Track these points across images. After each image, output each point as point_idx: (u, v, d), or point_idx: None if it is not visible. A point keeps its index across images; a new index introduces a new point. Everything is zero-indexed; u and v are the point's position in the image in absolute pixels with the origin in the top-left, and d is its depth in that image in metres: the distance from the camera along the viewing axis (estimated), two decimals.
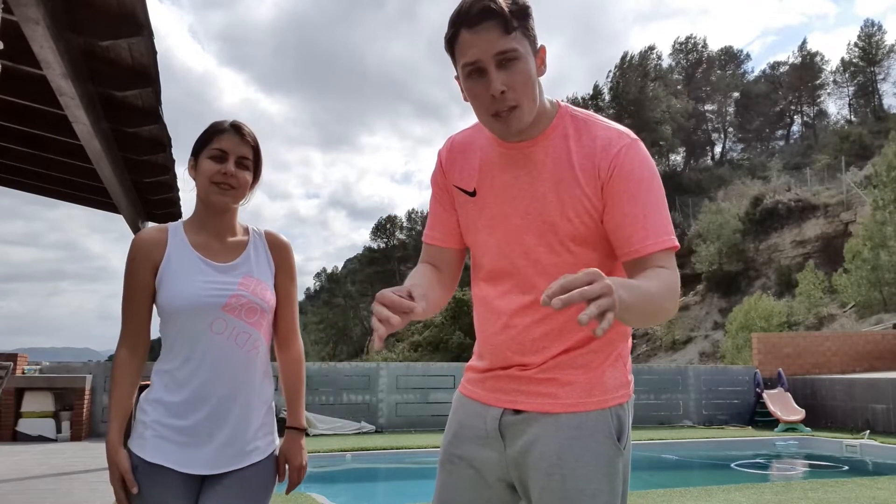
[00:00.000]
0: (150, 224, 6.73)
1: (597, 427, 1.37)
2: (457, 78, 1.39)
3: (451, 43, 1.33)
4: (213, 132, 1.77)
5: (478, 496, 1.45)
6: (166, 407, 1.69)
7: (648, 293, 1.21)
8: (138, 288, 1.74)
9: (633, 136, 1.40)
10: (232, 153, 1.75)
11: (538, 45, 1.36)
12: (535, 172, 1.40)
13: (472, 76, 1.32)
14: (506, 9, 1.27)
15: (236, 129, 1.77)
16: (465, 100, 1.39)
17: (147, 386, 1.76)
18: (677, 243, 1.35)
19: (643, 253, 1.31)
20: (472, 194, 1.47)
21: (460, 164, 1.50)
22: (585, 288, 1.02)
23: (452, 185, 1.51)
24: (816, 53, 63.42)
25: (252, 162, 1.80)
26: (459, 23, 1.30)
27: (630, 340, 1.50)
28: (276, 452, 1.81)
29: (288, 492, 1.79)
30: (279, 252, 1.85)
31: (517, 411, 1.41)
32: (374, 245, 71.41)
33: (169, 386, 1.70)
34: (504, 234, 1.43)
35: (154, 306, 1.77)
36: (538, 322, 1.40)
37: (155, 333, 1.82)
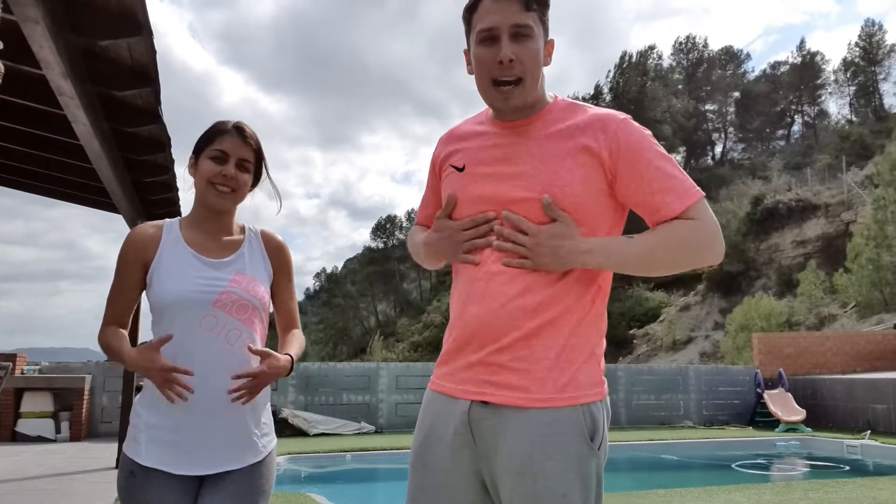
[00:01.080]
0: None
1: (569, 424, 1.33)
2: (465, 52, 1.46)
3: (471, 10, 1.41)
4: (216, 132, 1.77)
5: (450, 499, 1.41)
6: (158, 408, 1.67)
7: (639, 249, 1.36)
8: (127, 283, 1.75)
9: (625, 113, 1.45)
10: (233, 155, 1.75)
11: (548, 37, 1.43)
12: (526, 147, 1.43)
13: (485, 43, 1.38)
14: None
15: (238, 130, 1.77)
16: (470, 72, 1.45)
17: (142, 386, 1.75)
18: (700, 191, 1.39)
19: (676, 213, 1.37)
20: (461, 169, 1.49)
21: (455, 146, 1.54)
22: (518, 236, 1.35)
23: (447, 165, 1.54)
24: (817, 53, 63.46)
25: (253, 164, 1.80)
26: None
27: (604, 340, 1.48)
28: (275, 454, 1.80)
29: (232, 391, 1.65)
30: (276, 253, 1.86)
31: (485, 403, 1.38)
32: (374, 245, 71.42)
33: (155, 399, 1.67)
34: (490, 207, 1.43)
35: (145, 302, 1.77)
36: (517, 292, 1.38)
37: (147, 334, 1.81)
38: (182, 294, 1.68)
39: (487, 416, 1.37)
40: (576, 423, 1.34)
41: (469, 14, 1.41)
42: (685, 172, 1.41)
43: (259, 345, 1.77)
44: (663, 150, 1.42)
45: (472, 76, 1.45)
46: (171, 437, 1.65)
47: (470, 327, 1.42)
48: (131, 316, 1.79)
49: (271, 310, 1.89)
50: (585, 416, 1.35)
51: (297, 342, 1.86)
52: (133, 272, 1.74)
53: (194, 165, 1.78)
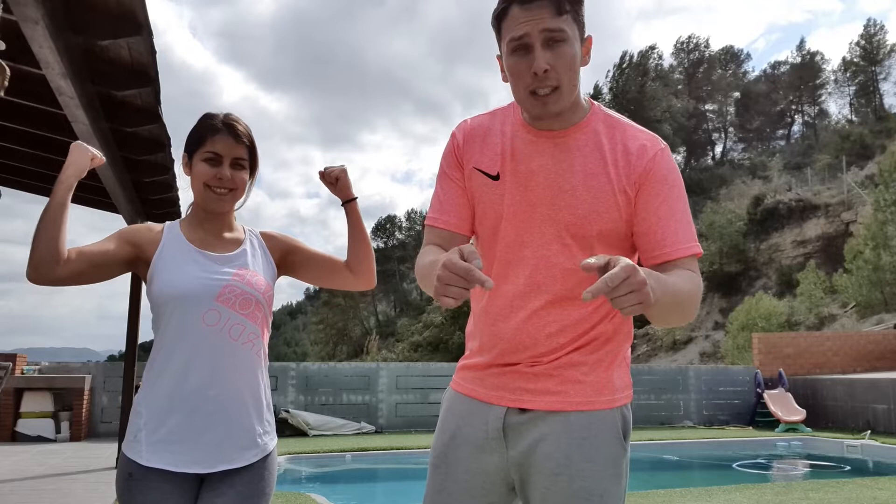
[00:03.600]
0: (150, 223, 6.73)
1: (605, 427, 1.35)
2: (498, 57, 1.38)
3: (500, 18, 1.32)
4: (206, 131, 1.73)
5: (473, 500, 1.40)
6: (159, 406, 1.63)
7: (677, 289, 1.23)
8: (108, 245, 1.66)
9: (664, 143, 1.41)
10: (227, 156, 1.72)
11: (586, 34, 1.35)
12: (566, 164, 1.37)
13: (517, 52, 1.30)
14: None
15: (230, 128, 1.73)
16: (504, 80, 1.38)
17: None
18: (701, 250, 1.37)
19: (675, 256, 1.33)
20: (496, 178, 1.41)
21: (480, 146, 1.45)
22: (615, 284, 1.02)
23: (472, 168, 1.44)
24: (817, 53, 63.53)
25: (248, 160, 1.77)
26: None
27: (631, 343, 1.49)
28: (276, 454, 1.78)
29: (329, 178, 1.89)
30: (276, 242, 1.87)
31: (523, 410, 1.37)
32: (374, 245, 71.35)
33: (161, 384, 1.65)
34: (526, 224, 1.38)
35: (145, 303, 1.75)
36: (554, 316, 1.37)
37: (147, 335, 1.80)
38: (184, 287, 1.65)
39: (525, 421, 1.37)
40: (612, 425, 1.36)
41: (498, 21, 1.33)
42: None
43: (262, 342, 1.75)
44: (684, 192, 1.40)
45: (506, 83, 1.38)
46: (172, 435, 1.61)
47: (503, 341, 1.40)
48: (87, 265, 1.63)
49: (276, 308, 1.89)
50: (619, 417, 1.37)
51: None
52: (119, 246, 1.67)
53: (188, 165, 1.76)
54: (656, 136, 1.42)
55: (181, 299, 1.65)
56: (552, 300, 1.37)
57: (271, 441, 1.75)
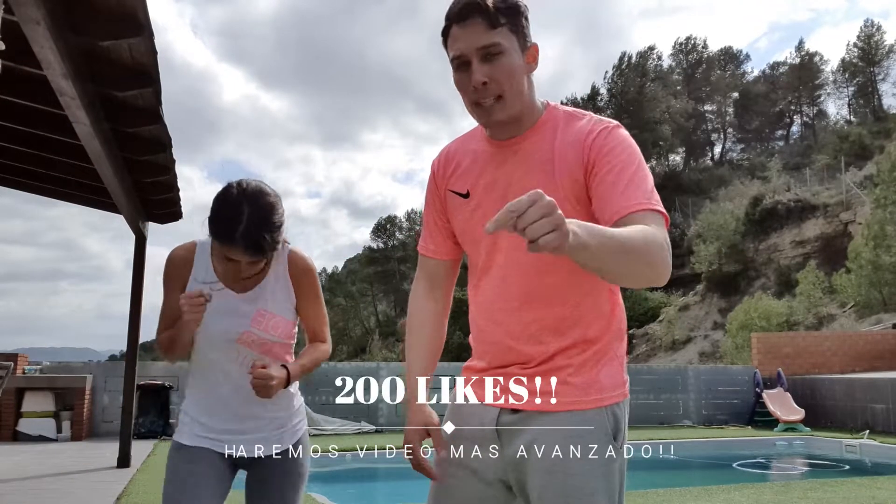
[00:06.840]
0: (152, 224, 6.75)
1: (594, 426, 1.38)
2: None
3: (444, 35, 1.41)
4: (223, 238, 1.69)
5: (474, 498, 1.45)
6: (199, 422, 1.87)
7: (618, 236, 1.15)
8: (171, 302, 1.86)
9: (616, 122, 1.42)
10: (244, 260, 1.73)
11: (529, 43, 1.40)
12: (527, 166, 1.42)
13: (460, 69, 1.38)
14: (491, 5, 1.33)
15: (247, 245, 1.68)
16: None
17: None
18: (663, 210, 1.30)
19: (623, 213, 1.26)
20: (466, 196, 1.49)
21: (453, 168, 1.53)
22: (520, 210, 1.03)
23: (447, 191, 1.53)
24: (816, 53, 63.52)
25: (268, 256, 1.75)
26: (450, 18, 1.38)
27: (625, 341, 1.51)
28: (307, 437, 1.98)
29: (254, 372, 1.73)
30: (301, 278, 1.90)
31: (514, 410, 1.42)
32: (374, 245, 71.30)
33: (196, 406, 1.89)
34: (497, 232, 1.42)
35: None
36: (533, 317, 1.42)
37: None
38: (208, 334, 1.82)
39: (517, 421, 1.42)
40: (601, 424, 1.39)
41: (444, 39, 1.41)
42: (654, 189, 1.33)
43: (284, 360, 1.89)
44: (642, 161, 1.37)
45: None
46: (212, 429, 1.85)
47: (493, 345, 1.47)
48: None
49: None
50: (609, 416, 1.40)
51: (308, 354, 1.94)
52: (174, 294, 1.85)
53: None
54: (605, 118, 1.42)
55: (204, 341, 1.83)
56: (528, 301, 1.42)
57: (300, 430, 1.96)
